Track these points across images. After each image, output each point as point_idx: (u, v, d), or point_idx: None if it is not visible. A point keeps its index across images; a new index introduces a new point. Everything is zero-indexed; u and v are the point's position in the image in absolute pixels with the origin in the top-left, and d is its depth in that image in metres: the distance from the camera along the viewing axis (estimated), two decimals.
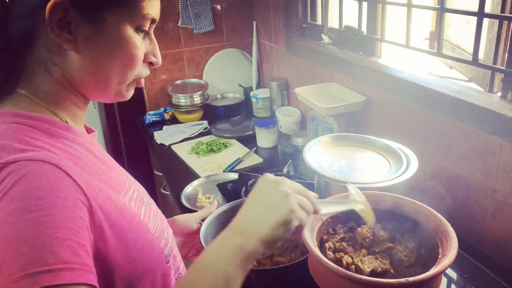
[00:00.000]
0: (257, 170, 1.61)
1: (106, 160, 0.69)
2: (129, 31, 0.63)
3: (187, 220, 1.04)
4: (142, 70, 0.69)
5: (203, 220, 1.04)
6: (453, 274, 1.03)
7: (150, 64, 0.70)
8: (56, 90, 0.64)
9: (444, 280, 1.01)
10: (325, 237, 0.89)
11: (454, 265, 1.03)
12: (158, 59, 0.70)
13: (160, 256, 0.70)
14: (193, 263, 0.59)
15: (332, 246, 0.86)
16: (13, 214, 0.49)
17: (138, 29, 0.64)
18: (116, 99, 0.69)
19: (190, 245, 1.03)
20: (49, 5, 0.57)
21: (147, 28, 0.66)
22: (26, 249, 0.47)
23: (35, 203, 0.50)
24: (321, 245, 0.88)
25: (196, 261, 0.59)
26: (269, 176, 0.66)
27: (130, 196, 0.68)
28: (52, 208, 0.51)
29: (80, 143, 0.64)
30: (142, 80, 0.71)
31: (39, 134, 0.59)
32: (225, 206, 1.09)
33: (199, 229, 1.01)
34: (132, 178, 0.77)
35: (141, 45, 0.66)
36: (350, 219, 0.92)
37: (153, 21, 0.66)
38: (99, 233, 0.57)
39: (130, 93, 0.71)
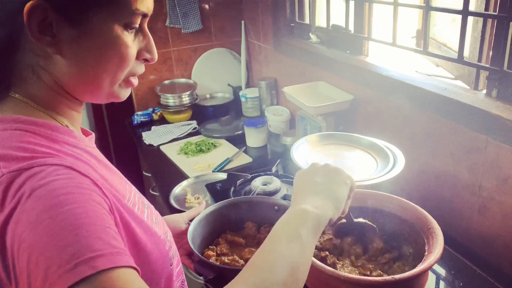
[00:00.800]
0: (246, 169, 1.60)
1: (106, 163, 0.68)
2: (117, 29, 0.59)
3: (175, 220, 1.04)
4: (136, 68, 0.65)
5: (191, 220, 1.04)
6: (441, 270, 1.04)
7: (145, 60, 0.66)
8: (49, 95, 0.62)
9: (432, 277, 1.02)
10: None
11: (442, 261, 1.04)
12: (153, 55, 0.66)
13: (166, 258, 0.69)
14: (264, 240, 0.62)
15: (319, 244, 0.86)
16: (47, 211, 0.48)
17: (128, 26, 0.60)
18: (110, 100, 0.67)
19: (179, 245, 1.03)
20: (26, 8, 0.54)
21: (137, 25, 0.61)
22: (72, 239, 0.47)
23: (65, 198, 0.49)
24: None
25: (268, 235, 0.62)
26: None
27: (133, 200, 0.67)
28: (83, 201, 0.51)
29: (82, 147, 0.62)
30: (135, 80, 0.67)
31: (43, 140, 0.57)
32: (213, 206, 1.08)
33: (187, 229, 1.00)
34: (128, 181, 0.76)
35: (132, 43, 0.62)
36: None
37: (144, 15, 0.62)
38: (118, 232, 0.56)
39: (124, 94, 0.67)
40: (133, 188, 0.72)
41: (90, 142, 0.68)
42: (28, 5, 0.54)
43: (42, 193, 0.49)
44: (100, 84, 0.62)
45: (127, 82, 0.66)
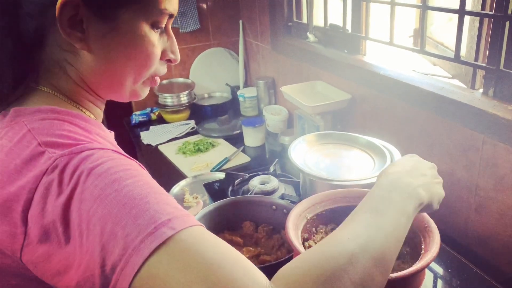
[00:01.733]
0: (244, 169, 1.61)
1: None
2: (145, 28, 0.60)
3: None
4: (159, 68, 0.67)
5: None
6: (438, 269, 1.04)
7: (168, 61, 0.68)
8: (75, 90, 0.63)
9: (430, 275, 1.02)
10: (305, 235, 0.89)
11: (439, 260, 1.05)
12: (176, 56, 0.68)
13: None
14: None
15: (313, 244, 0.86)
16: (111, 185, 0.49)
17: (154, 25, 0.61)
18: (131, 98, 0.68)
19: None
20: (59, 2, 0.55)
21: (163, 25, 0.63)
22: (143, 207, 0.48)
23: (125, 173, 0.51)
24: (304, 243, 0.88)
25: (358, 207, 0.63)
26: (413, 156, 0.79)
27: None
28: (141, 175, 0.53)
29: (109, 141, 0.64)
30: (158, 78, 0.69)
31: (80, 130, 0.58)
32: (211, 206, 1.08)
33: None
34: None
35: (158, 42, 0.63)
36: (331, 220, 0.92)
37: (170, 16, 0.63)
38: None
39: (145, 92, 0.69)
40: None
41: (112, 138, 0.70)
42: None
43: (100, 171, 0.50)
44: (125, 81, 0.64)
45: (151, 80, 0.68)
